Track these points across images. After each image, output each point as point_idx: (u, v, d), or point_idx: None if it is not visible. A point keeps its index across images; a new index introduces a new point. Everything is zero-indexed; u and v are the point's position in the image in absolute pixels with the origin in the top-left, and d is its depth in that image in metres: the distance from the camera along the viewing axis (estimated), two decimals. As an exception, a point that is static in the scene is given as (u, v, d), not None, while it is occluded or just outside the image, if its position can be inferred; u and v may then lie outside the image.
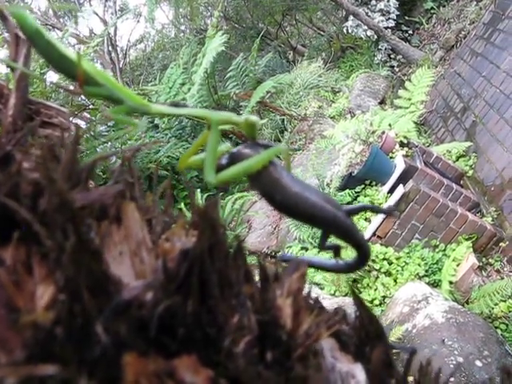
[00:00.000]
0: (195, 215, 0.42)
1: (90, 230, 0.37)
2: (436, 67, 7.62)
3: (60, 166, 0.39)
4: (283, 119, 7.67)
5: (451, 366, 2.64)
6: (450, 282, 3.70)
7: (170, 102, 0.59)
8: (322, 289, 4.14)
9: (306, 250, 4.91)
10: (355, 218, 4.82)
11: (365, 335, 0.44)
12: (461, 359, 2.68)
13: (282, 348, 0.37)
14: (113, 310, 0.32)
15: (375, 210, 0.67)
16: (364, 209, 0.64)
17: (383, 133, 5.19)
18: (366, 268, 4.11)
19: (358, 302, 0.45)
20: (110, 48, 12.93)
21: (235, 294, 0.38)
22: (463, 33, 7.65)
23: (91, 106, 7.00)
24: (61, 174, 0.39)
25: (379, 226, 4.34)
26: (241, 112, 7.51)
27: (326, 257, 0.71)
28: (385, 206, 4.43)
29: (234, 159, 0.59)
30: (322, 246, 0.67)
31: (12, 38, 0.64)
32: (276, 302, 0.40)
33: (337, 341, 0.42)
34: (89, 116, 7.71)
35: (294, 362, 0.36)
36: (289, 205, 0.57)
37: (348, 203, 4.97)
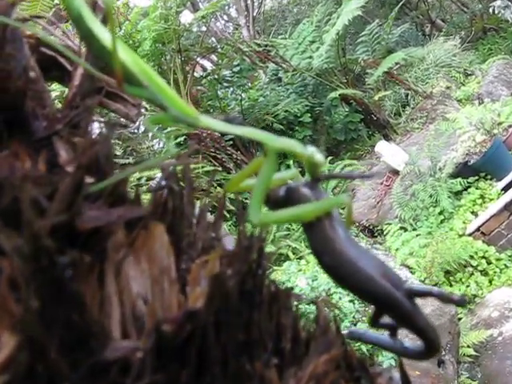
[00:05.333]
0: (237, 247, 0.38)
1: (73, 278, 0.31)
2: None
3: (64, 186, 0.33)
4: (407, 94, 7.50)
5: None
6: (550, 297, 3.54)
7: (223, 117, 0.50)
8: (412, 273, 4.09)
9: (405, 230, 4.85)
10: (463, 204, 4.68)
11: None
12: (543, 380, 2.59)
13: None
14: (89, 369, 0.29)
15: (444, 298, 0.49)
16: (430, 294, 0.51)
17: (510, 126, 4.95)
18: (462, 262, 4.01)
19: (405, 381, 0.43)
20: (247, -6, 12.98)
21: (248, 364, 0.35)
22: None
23: (219, 50, 7.14)
24: (63, 192, 0.33)
25: (485, 222, 4.20)
26: (366, 79, 7.40)
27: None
28: (497, 204, 4.26)
29: (290, 195, 0.52)
30: (374, 323, 0.56)
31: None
32: None
33: None
34: (216, 59, 7.88)
35: None
36: (337, 270, 0.49)
37: (457, 192, 4.83)
